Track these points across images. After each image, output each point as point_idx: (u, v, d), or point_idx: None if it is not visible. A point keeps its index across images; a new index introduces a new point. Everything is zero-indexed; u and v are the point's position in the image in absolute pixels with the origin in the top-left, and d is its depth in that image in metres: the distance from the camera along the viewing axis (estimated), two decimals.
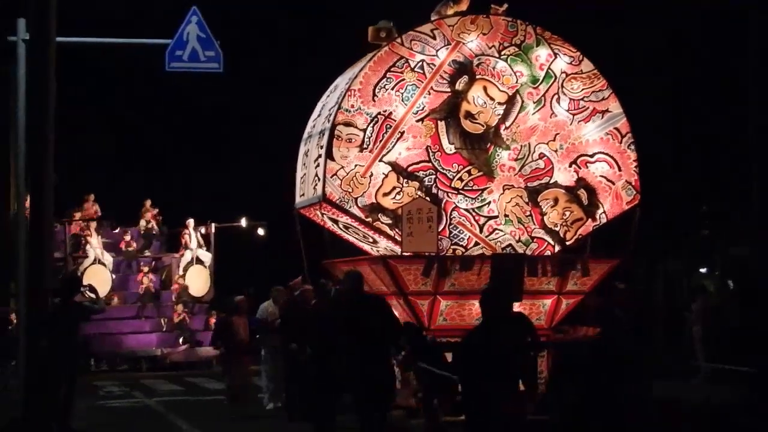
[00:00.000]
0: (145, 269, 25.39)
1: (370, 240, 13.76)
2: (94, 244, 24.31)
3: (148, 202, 27.08)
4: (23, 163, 14.87)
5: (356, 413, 9.90)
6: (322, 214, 13.76)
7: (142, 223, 26.80)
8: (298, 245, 14.41)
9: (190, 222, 25.70)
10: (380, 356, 9.58)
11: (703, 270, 28.59)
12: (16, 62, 15.03)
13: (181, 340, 24.35)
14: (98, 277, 23.20)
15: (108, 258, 24.45)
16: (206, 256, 25.53)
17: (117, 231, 26.50)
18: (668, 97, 23.83)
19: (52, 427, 11.47)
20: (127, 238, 26.10)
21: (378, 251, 13.85)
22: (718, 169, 24.36)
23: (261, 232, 27.21)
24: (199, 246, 25.50)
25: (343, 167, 13.13)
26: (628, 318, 7.12)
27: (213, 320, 22.84)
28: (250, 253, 27.69)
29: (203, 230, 25.99)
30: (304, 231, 14.54)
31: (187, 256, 25.42)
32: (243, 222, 27.24)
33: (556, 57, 13.92)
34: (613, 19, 22.32)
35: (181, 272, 25.33)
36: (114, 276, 24.77)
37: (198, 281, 25.31)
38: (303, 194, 14.24)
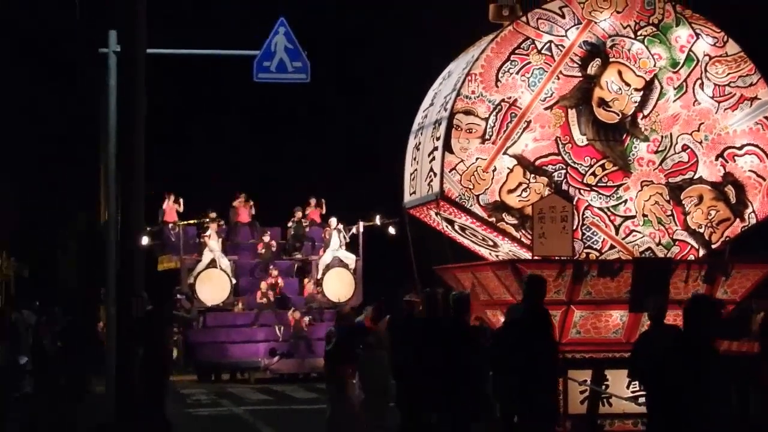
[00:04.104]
0: (275, 272, 23.88)
1: (490, 243, 12.36)
2: (213, 247, 22.70)
3: (313, 201, 25.58)
4: (114, 173, 15.07)
5: None
6: (437, 214, 12.39)
7: (290, 223, 25.48)
8: (408, 249, 13.13)
9: (333, 221, 24.30)
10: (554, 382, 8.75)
11: None
12: (108, 73, 15.39)
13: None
14: (213, 282, 21.67)
15: (225, 262, 22.79)
16: (350, 258, 23.96)
17: (257, 231, 25.12)
18: None
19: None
20: (266, 239, 24.68)
21: (498, 256, 12.46)
22: None
23: (392, 230, 25.61)
24: (340, 246, 23.93)
25: (462, 161, 11.75)
26: None
27: None
28: (385, 253, 26.02)
29: (354, 230, 24.60)
30: (415, 233, 13.23)
31: (327, 257, 23.88)
32: (377, 220, 25.67)
33: (698, 38, 12.43)
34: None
35: (319, 275, 23.75)
36: (236, 280, 23.09)
37: (338, 285, 23.55)
38: (414, 192, 12.87)
